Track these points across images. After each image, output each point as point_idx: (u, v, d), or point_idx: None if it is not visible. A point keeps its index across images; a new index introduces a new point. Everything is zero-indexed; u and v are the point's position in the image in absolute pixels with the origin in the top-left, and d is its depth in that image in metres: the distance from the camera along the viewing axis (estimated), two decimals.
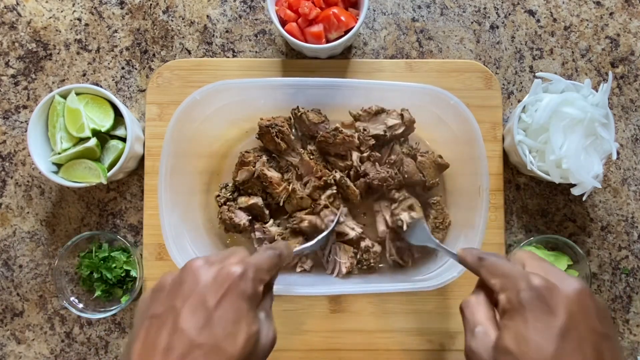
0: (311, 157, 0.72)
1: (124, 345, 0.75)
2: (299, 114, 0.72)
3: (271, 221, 0.73)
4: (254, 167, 0.71)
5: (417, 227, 0.67)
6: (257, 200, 0.72)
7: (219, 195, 0.73)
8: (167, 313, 0.40)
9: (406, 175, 0.71)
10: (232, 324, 0.40)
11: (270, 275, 0.46)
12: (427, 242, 0.63)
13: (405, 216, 0.68)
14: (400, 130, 0.72)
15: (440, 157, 0.73)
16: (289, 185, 0.72)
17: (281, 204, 0.72)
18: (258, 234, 0.72)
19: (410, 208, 0.70)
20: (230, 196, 0.73)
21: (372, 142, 0.71)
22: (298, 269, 0.73)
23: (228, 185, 0.74)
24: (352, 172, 0.72)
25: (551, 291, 0.38)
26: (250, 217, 0.73)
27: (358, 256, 0.72)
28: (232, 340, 0.39)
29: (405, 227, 0.67)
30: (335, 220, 0.69)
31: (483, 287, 0.44)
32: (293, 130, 0.75)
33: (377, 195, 0.74)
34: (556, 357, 0.36)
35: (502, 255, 0.45)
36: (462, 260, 0.48)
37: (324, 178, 0.71)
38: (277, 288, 0.67)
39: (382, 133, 0.72)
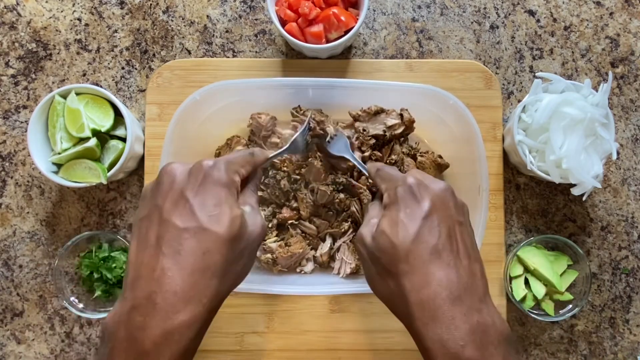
0: (320, 163, 0.72)
1: None
2: (301, 112, 0.72)
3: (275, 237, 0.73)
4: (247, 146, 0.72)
5: (339, 139, 0.70)
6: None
7: None
8: (151, 212, 0.43)
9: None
10: (213, 207, 0.42)
11: (245, 169, 0.49)
12: (345, 154, 0.68)
13: (330, 129, 0.70)
14: (399, 130, 0.72)
15: (440, 157, 0.73)
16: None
17: (286, 187, 0.72)
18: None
19: None
20: None
21: (373, 141, 0.72)
22: (298, 270, 0.73)
23: None
24: (355, 172, 0.73)
25: (420, 187, 0.47)
26: None
27: None
28: (216, 221, 0.42)
29: (328, 139, 0.70)
30: (307, 120, 0.68)
31: (380, 194, 0.53)
32: (278, 129, 0.75)
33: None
34: (418, 235, 0.44)
35: (394, 167, 0.53)
36: (368, 172, 0.56)
37: (330, 185, 0.71)
38: (277, 288, 0.68)
39: (381, 133, 0.72)
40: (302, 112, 0.73)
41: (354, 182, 0.71)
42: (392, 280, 0.45)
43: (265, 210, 0.73)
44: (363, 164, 0.61)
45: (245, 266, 0.47)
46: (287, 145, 0.62)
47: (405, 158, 0.72)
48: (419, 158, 0.72)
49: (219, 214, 0.42)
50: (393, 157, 0.72)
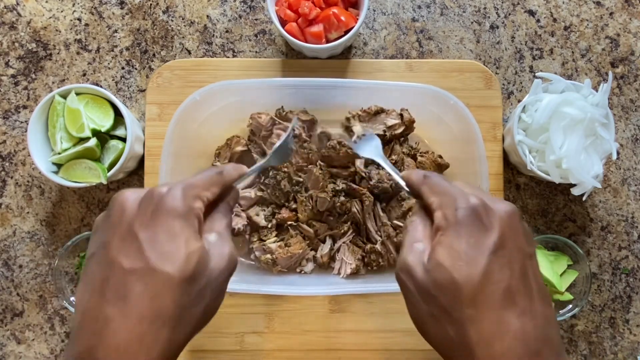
0: (320, 171, 0.72)
1: None
2: (284, 113, 0.72)
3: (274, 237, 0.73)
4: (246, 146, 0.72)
5: (370, 140, 0.63)
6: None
7: None
8: (98, 250, 0.38)
9: None
10: (166, 243, 0.37)
11: (212, 192, 0.42)
12: (376, 157, 0.59)
13: (358, 128, 0.67)
14: (399, 130, 0.72)
15: (440, 157, 0.73)
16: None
17: (285, 187, 0.72)
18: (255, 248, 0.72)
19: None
20: None
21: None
22: (298, 270, 0.73)
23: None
24: (357, 177, 0.73)
25: (486, 210, 0.39)
26: (247, 222, 0.72)
27: (365, 259, 0.72)
28: (167, 259, 0.36)
29: (355, 138, 0.64)
30: (290, 127, 0.61)
31: (423, 208, 0.44)
32: (278, 129, 0.75)
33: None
34: (486, 272, 0.37)
35: (444, 176, 0.45)
36: (407, 179, 0.47)
37: (328, 193, 0.72)
38: (277, 289, 0.68)
39: (381, 133, 0.72)
40: (285, 113, 0.72)
41: (355, 186, 0.71)
42: (453, 326, 0.37)
43: (265, 210, 0.73)
44: (397, 170, 0.52)
45: (209, 307, 0.40)
46: (267, 158, 0.55)
47: (406, 158, 0.72)
48: (419, 158, 0.72)
49: (171, 250, 0.36)
50: (393, 157, 0.72)
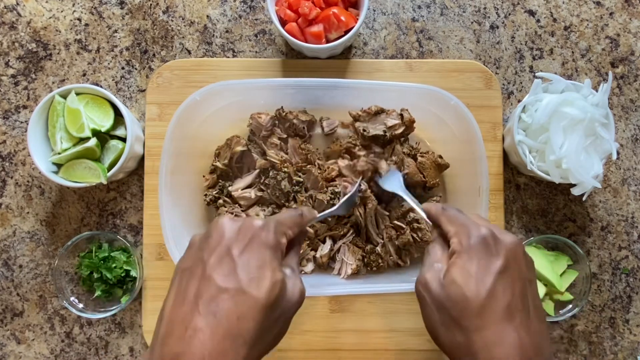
0: (319, 171, 0.72)
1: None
2: (284, 113, 0.72)
3: None
4: (245, 146, 0.72)
5: (393, 175, 0.71)
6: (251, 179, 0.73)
7: (206, 194, 0.73)
8: (195, 265, 0.43)
9: (407, 176, 0.71)
10: (256, 270, 0.42)
11: (293, 231, 0.49)
12: (398, 190, 0.66)
13: (384, 165, 0.71)
14: (400, 130, 0.72)
15: (441, 157, 0.73)
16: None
17: (285, 187, 0.72)
18: None
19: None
20: (218, 194, 0.73)
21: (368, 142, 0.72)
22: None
23: (220, 183, 0.74)
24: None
25: (494, 240, 0.46)
26: None
27: (365, 260, 0.72)
28: (257, 285, 0.41)
29: (383, 174, 0.71)
30: (357, 184, 0.69)
31: (441, 236, 0.51)
32: (278, 130, 0.75)
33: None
34: (492, 290, 0.43)
35: (460, 209, 0.52)
36: (427, 210, 0.54)
37: (331, 187, 0.72)
38: None
39: (381, 133, 0.72)
40: (285, 113, 0.73)
41: (361, 190, 0.72)
42: (461, 333, 0.44)
43: (265, 210, 0.73)
44: (418, 202, 0.59)
45: (278, 335, 0.45)
46: (337, 206, 0.64)
47: (406, 158, 0.72)
48: (419, 158, 0.72)
49: (260, 277, 0.42)
50: (394, 157, 0.72)
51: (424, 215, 0.55)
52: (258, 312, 0.41)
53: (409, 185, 0.72)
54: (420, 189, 0.74)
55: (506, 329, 0.42)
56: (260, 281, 0.42)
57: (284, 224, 0.48)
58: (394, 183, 0.69)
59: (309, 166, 0.72)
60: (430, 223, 0.54)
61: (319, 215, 0.55)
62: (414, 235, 0.71)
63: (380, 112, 0.72)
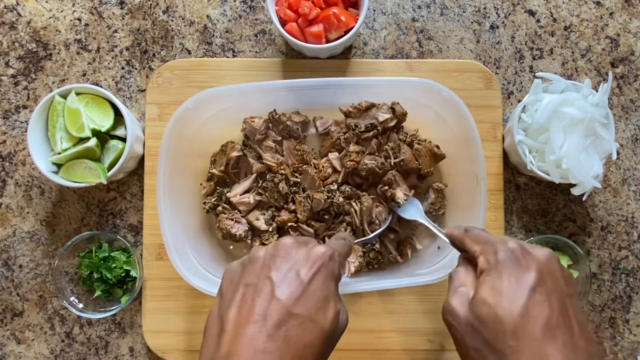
0: (315, 170, 0.72)
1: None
2: (277, 116, 0.72)
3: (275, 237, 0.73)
4: (241, 150, 0.72)
5: (411, 203, 0.71)
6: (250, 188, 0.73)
7: (205, 202, 0.73)
8: (262, 282, 0.43)
9: (402, 163, 0.71)
10: (323, 300, 0.43)
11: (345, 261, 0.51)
12: (418, 217, 0.68)
13: (400, 194, 0.70)
14: (392, 124, 0.72)
15: (437, 147, 0.72)
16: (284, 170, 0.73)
17: (283, 189, 0.72)
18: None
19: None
20: (216, 201, 0.73)
21: (364, 135, 0.72)
22: None
23: (218, 190, 0.74)
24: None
25: (525, 253, 0.43)
26: (248, 228, 0.72)
27: (366, 258, 0.72)
28: (323, 315, 0.42)
29: (402, 203, 0.71)
30: (387, 223, 0.71)
31: (467, 259, 0.49)
32: (272, 132, 0.75)
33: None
34: (526, 307, 0.40)
35: (485, 229, 0.50)
36: (450, 235, 0.52)
37: (328, 185, 0.72)
38: None
39: (371, 122, 0.72)
40: (278, 116, 0.72)
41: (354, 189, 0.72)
42: (495, 357, 0.40)
43: (264, 214, 0.73)
44: (440, 228, 0.60)
45: (326, 358, 0.46)
46: (374, 234, 0.70)
47: (402, 145, 0.72)
48: (416, 145, 0.72)
49: (326, 307, 0.43)
50: (390, 144, 0.72)
51: (447, 240, 0.53)
52: (321, 341, 0.42)
53: (403, 172, 0.72)
54: (415, 178, 0.74)
55: (547, 350, 0.38)
56: (326, 311, 0.42)
57: (343, 255, 0.49)
58: (413, 211, 0.70)
59: (305, 166, 0.72)
60: (455, 248, 0.52)
61: (356, 241, 0.65)
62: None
63: (370, 107, 0.72)
